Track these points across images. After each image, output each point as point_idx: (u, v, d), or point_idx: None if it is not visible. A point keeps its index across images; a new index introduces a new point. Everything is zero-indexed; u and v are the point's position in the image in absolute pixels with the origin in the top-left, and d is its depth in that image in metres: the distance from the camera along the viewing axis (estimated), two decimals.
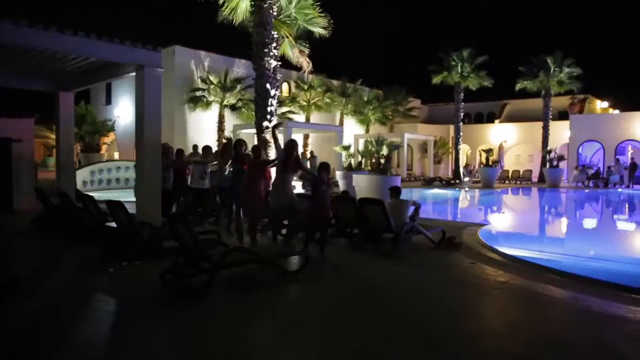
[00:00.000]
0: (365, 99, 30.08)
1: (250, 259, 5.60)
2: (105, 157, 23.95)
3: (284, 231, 7.67)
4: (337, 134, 23.81)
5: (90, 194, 9.26)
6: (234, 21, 12.94)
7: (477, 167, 32.29)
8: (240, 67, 23.68)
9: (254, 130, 12.64)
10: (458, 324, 4.37)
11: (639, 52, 72.04)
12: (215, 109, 22.78)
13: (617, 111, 34.93)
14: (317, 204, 6.96)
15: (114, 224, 7.19)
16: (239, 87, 22.56)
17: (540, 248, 9.37)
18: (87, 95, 26.95)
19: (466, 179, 28.49)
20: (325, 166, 7.15)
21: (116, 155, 25.90)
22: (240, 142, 8.34)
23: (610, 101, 37.21)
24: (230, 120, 23.07)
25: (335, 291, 5.40)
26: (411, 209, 7.91)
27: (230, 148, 8.60)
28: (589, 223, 14.95)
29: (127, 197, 11.09)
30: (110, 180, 17.95)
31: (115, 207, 6.88)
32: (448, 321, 4.43)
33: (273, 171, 8.43)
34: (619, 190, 24.35)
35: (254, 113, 13.38)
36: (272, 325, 4.29)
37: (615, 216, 16.48)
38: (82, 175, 16.71)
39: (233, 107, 22.85)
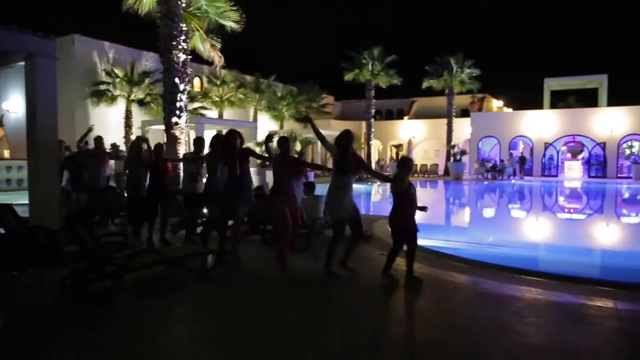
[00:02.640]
0: (279, 94, 30.06)
1: (157, 261, 5.37)
2: None
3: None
4: (251, 130, 23.57)
5: None
6: (139, 11, 12.27)
7: (388, 162, 33.75)
8: (149, 60, 22.53)
9: (163, 127, 12.10)
10: (367, 313, 4.55)
11: (529, 55, 79.48)
12: (121, 104, 21.46)
13: (510, 110, 38.31)
14: (408, 213, 5.40)
15: (2, 230, 6.51)
16: (147, 81, 21.45)
17: (446, 237, 10.03)
18: None
19: None
20: (405, 163, 5.44)
21: (6, 154, 23.42)
22: (234, 135, 6.22)
23: (505, 100, 40.72)
24: (139, 115, 21.90)
25: (246, 288, 5.36)
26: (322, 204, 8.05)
27: (228, 142, 6.34)
28: (487, 212, 16.25)
29: (21, 199, 10.12)
30: None
31: (3, 211, 6.24)
32: (358, 311, 4.59)
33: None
34: (513, 181, 26.78)
35: (162, 109, 12.82)
36: (181, 327, 4.15)
37: (509, 205, 18.09)
38: None
39: (141, 102, 21.70)
